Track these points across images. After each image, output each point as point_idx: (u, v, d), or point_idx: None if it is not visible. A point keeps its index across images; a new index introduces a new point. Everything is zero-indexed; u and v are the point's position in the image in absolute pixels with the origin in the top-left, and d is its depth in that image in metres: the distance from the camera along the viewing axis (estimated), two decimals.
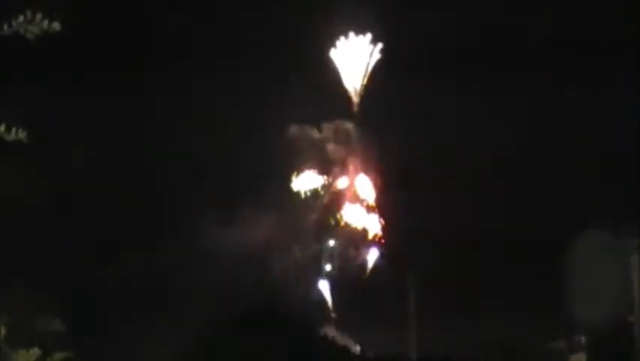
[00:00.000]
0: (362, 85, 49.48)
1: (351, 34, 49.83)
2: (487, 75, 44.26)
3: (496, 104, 44.13)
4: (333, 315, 44.02)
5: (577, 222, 37.20)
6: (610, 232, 34.88)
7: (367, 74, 49.68)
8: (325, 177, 49.17)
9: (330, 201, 48.81)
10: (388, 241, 47.50)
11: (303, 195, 48.49)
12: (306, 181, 48.86)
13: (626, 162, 39.20)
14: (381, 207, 48.40)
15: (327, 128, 49.29)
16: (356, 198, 49.09)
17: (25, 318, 13.25)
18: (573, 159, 41.73)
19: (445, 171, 44.47)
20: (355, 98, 50.08)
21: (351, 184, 49.31)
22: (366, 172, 49.35)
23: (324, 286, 45.54)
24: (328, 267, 46.72)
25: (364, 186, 49.27)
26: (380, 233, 48.07)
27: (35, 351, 12.35)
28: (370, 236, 48.21)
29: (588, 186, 40.96)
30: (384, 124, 46.90)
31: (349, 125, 48.98)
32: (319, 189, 48.47)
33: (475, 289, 39.86)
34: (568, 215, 40.03)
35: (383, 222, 48.34)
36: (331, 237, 47.81)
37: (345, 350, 41.18)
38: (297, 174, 48.45)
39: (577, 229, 36.49)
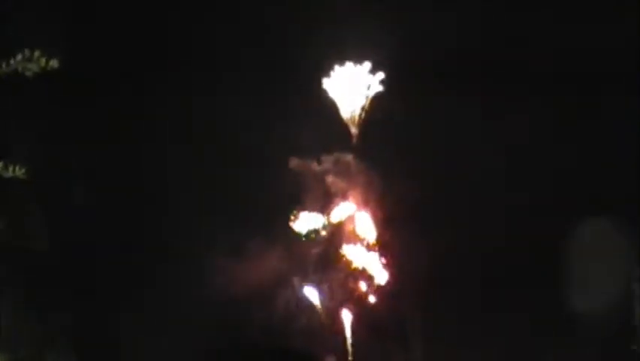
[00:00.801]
0: (360, 115, 49.46)
1: (349, 64, 49.71)
2: (488, 98, 44.15)
3: (498, 125, 43.91)
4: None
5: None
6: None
7: (366, 104, 49.69)
8: (325, 215, 48.96)
9: (331, 236, 48.67)
10: (391, 279, 47.32)
11: (303, 235, 48.38)
12: (306, 221, 48.71)
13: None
14: (383, 244, 48.19)
15: (327, 160, 49.07)
16: (356, 236, 48.86)
17: (36, 353, 13.36)
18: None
19: (447, 205, 44.31)
20: (354, 129, 50.07)
21: (352, 219, 49.13)
22: (367, 206, 49.21)
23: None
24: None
25: (365, 222, 49.05)
26: (381, 271, 47.92)
27: None
28: (371, 273, 48.09)
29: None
30: (385, 155, 46.72)
31: (349, 157, 48.77)
32: (320, 228, 48.37)
33: (484, 324, 39.79)
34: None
35: (384, 260, 48.14)
36: (332, 271, 47.71)
37: None
38: (296, 216, 48.28)
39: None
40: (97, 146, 44.25)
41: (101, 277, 40.77)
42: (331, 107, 50.49)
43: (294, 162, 48.77)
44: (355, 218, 49.87)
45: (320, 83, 50.25)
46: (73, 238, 34.17)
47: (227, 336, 42.94)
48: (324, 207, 49.70)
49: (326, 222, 49.13)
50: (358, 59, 50.65)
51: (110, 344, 38.58)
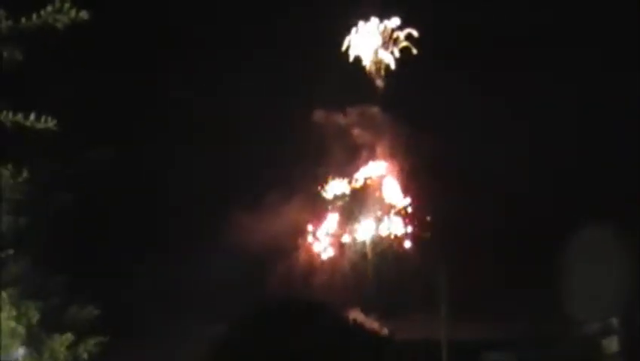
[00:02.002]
0: (386, 68, 49.05)
1: (374, 19, 49.25)
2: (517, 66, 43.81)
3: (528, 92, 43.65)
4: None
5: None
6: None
7: (392, 59, 49.33)
8: (351, 178, 48.82)
9: (354, 200, 48.66)
10: (418, 230, 47.31)
11: (329, 200, 48.45)
12: (333, 188, 48.70)
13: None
14: (411, 196, 48.07)
15: (353, 113, 48.74)
16: (382, 200, 48.81)
17: (59, 305, 13.47)
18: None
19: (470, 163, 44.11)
20: (380, 82, 49.67)
21: (377, 184, 49.01)
22: (394, 159, 48.97)
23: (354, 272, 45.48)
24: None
25: (391, 186, 48.89)
26: (410, 222, 47.86)
27: (68, 337, 12.58)
28: (400, 224, 48.03)
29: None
30: (412, 110, 46.48)
31: (375, 110, 48.46)
32: (346, 193, 48.38)
33: (505, 279, 39.72)
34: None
35: (412, 210, 48.05)
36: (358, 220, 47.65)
37: (374, 334, 41.11)
38: (324, 184, 48.24)
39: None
40: (122, 107, 44.47)
41: (122, 232, 41.08)
42: (357, 62, 50.36)
43: (318, 115, 48.49)
44: (381, 183, 49.86)
45: (344, 38, 50.14)
46: (96, 193, 34.35)
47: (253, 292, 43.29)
48: (350, 162, 49.60)
49: (349, 189, 49.09)
50: (384, 15, 50.48)
51: (131, 297, 39.00)
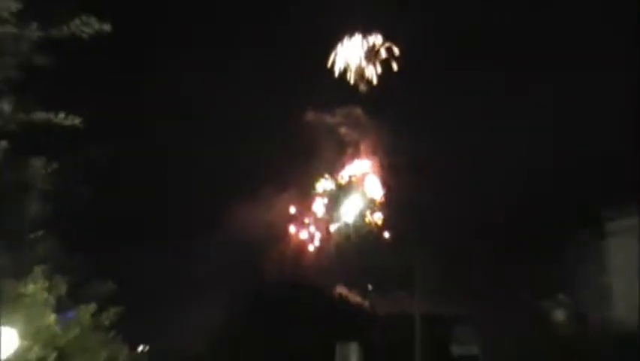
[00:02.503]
0: (368, 81, 49.05)
1: (358, 36, 49.27)
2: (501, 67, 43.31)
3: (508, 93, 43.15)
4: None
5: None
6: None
7: (374, 73, 49.30)
8: (337, 173, 48.86)
9: (343, 188, 48.75)
10: (394, 223, 47.38)
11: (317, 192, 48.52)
12: (322, 184, 48.77)
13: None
14: (389, 193, 48.13)
15: (340, 113, 48.77)
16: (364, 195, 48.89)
17: (84, 280, 13.61)
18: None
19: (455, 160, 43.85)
20: (363, 87, 49.59)
21: (361, 180, 49.09)
22: (375, 157, 48.98)
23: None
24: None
25: (373, 183, 48.95)
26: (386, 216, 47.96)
27: (92, 306, 12.74)
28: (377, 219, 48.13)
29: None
30: (392, 113, 46.38)
31: (359, 111, 48.47)
32: (332, 188, 48.49)
33: (474, 262, 39.75)
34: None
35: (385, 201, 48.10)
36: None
37: (359, 308, 41.25)
38: (315, 181, 48.32)
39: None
40: (142, 105, 44.41)
41: (137, 223, 41.15)
42: (342, 74, 50.44)
43: (310, 115, 48.79)
44: (365, 179, 50.08)
45: (331, 51, 50.23)
46: (116, 187, 34.41)
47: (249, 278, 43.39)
48: (337, 159, 49.74)
49: (336, 184, 49.29)
50: (368, 31, 50.53)
51: (143, 282, 39.10)
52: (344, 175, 48.91)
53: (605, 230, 29.54)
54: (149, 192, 43.42)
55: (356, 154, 49.06)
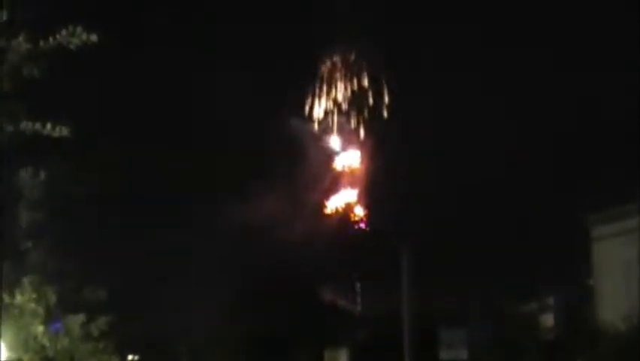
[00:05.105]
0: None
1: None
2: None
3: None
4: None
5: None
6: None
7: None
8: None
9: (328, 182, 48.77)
10: (378, 216, 47.34)
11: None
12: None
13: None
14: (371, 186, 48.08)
15: (324, 120, 49.03)
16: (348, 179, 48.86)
17: (74, 288, 13.45)
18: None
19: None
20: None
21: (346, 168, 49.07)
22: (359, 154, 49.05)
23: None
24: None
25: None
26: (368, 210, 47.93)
27: (81, 317, 12.58)
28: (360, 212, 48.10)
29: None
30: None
31: (342, 120, 48.73)
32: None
33: (462, 258, 39.69)
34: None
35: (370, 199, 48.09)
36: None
37: (346, 311, 41.09)
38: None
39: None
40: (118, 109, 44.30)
41: (136, 223, 41.04)
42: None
43: (294, 122, 49.06)
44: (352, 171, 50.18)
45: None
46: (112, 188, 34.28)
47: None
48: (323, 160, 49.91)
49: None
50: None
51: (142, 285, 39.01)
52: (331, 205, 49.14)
53: (591, 234, 29.50)
54: (143, 193, 43.41)
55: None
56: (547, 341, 32.66)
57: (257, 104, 44.13)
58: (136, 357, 30.93)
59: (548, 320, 35.28)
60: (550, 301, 35.91)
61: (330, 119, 49.57)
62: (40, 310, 10.77)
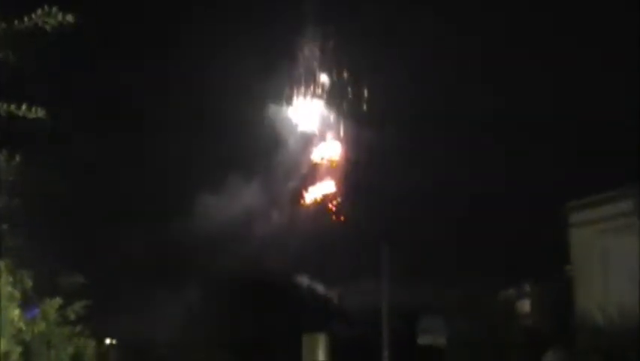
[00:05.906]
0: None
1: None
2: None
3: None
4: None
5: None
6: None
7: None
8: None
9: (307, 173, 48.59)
10: (357, 210, 47.31)
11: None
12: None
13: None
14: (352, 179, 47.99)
15: (303, 107, 48.83)
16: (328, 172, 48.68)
17: (50, 272, 13.40)
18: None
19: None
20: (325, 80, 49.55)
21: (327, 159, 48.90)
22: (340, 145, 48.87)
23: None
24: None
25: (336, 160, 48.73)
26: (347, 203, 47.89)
27: (57, 301, 12.54)
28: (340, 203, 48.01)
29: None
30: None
31: (321, 104, 48.53)
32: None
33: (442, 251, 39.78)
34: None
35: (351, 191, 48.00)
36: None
37: (326, 300, 41.16)
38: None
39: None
40: (100, 100, 43.98)
41: (103, 208, 40.80)
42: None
43: (272, 109, 48.63)
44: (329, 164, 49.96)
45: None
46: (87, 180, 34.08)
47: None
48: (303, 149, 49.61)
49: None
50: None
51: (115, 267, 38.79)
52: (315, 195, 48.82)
53: (569, 221, 29.62)
54: (120, 182, 43.17)
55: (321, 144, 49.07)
56: (525, 326, 32.87)
57: (235, 91, 43.89)
58: (114, 341, 30.87)
59: (525, 305, 35.52)
60: (527, 287, 36.15)
61: (309, 108, 49.38)
62: (17, 294, 10.69)
